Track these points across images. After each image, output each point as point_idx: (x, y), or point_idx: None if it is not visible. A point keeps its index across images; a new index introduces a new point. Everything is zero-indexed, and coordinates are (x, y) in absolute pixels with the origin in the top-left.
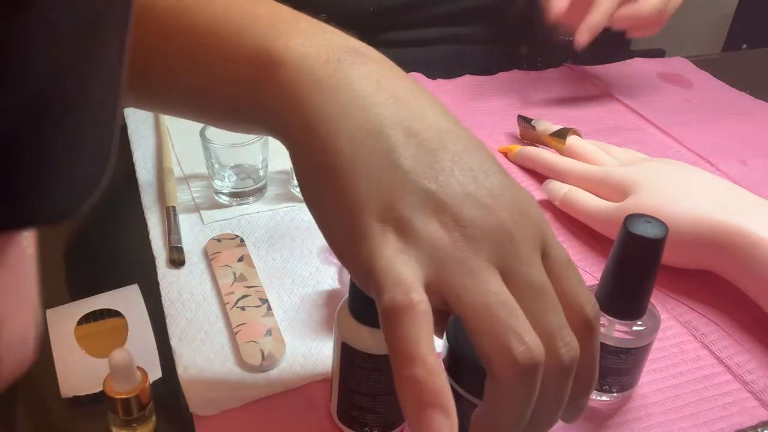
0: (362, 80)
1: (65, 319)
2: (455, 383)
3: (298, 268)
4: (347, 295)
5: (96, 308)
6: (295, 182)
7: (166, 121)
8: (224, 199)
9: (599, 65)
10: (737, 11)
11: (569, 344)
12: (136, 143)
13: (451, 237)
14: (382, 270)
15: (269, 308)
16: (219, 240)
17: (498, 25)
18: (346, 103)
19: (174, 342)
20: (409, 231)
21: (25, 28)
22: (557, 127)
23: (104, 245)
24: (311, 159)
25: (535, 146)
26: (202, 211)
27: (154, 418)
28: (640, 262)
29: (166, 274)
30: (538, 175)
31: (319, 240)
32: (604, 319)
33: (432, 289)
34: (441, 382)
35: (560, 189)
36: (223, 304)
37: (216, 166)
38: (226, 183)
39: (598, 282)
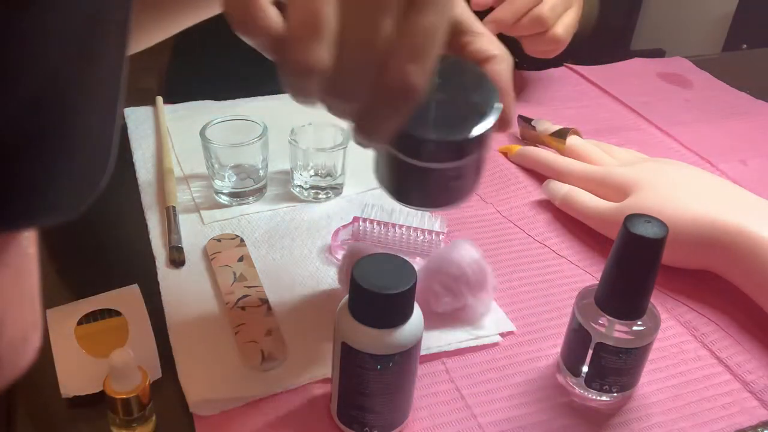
0: None
1: (65, 319)
2: None
3: (298, 268)
4: (347, 295)
5: (96, 308)
6: (295, 182)
7: (166, 121)
8: (224, 199)
9: (599, 65)
10: (737, 11)
11: None
12: (136, 143)
13: None
14: None
15: (269, 308)
16: (219, 240)
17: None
18: None
19: (174, 342)
20: None
21: (25, 28)
22: (557, 127)
23: (104, 245)
24: None
25: (535, 146)
26: (202, 211)
27: (154, 418)
28: (640, 262)
29: (166, 274)
30: (538, 175)
31: (319, 240)
32: (604, 319)
33: None
34: None
35: (560, 189)
36: (223, 304)
37: (216, 166)
38: (226, 183)
39: (597, 282)
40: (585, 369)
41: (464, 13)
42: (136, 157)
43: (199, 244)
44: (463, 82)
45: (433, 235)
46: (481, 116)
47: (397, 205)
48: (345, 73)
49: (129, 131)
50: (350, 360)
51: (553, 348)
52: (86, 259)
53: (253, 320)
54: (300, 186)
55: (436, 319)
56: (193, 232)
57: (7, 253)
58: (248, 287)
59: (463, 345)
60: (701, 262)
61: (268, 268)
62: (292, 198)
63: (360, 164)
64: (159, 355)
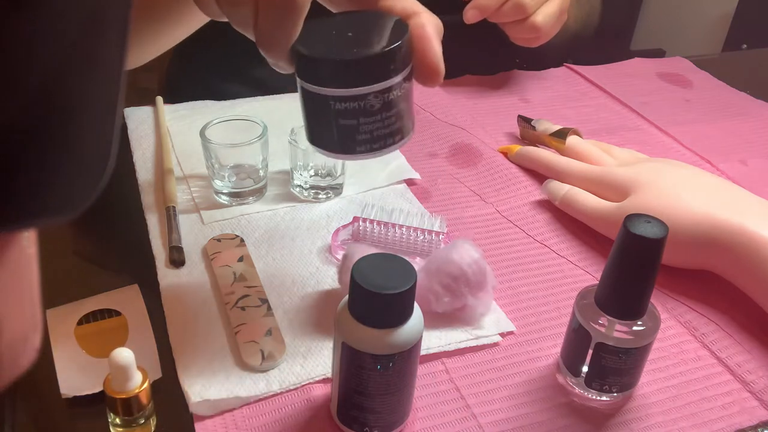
0: None
1: (65, 319)
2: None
3: (298, 268)
4: (347, 295)
5: (96, 308)
6: (295, 182)
7: (166, 120)
8: (224, 199)
9: (599, 65)
10: (737, 11)
11: None
12: (136, 143)
13: None
14: None
15: (269, 308)
16: (219, 240)
17: (496, 25)
18: None
19: (174, 342)
20: None
21: (25, 29)
22: (557, 127)
23: (104, 245)
24: None
25: (535, 146)
26: (202, 211)
27: (154, 418)
28: (640, 262)
29: (166, 274)
30: (538, 175)
31: (319, 240)
32: (604, 319)
33: None
34: None
35: (560, 189)
36: (223, 304)
37: (216, 166)
38: (226, 183)
39: (597, 282)
40: (585, 369)
41: None
42: (136, 157)
43: (199, 244)
44: (377, 26)
45: (433, 235)
46: (379, 47)
47: (397, 205)
48: None
49: (129, 131)
50: (350, 360)
51: (553, 348)
52: (86, 259)
53: (253, 320)
54: (300, 186)
55: (436, 319)
56: (193, 232)
57: (7, 252)
58: (248, 287)
59: (463, 345)
60: (701, 262)
61: (268, 268)
62: (292, 198)
63: (360, 164)
64: (159, 355)
